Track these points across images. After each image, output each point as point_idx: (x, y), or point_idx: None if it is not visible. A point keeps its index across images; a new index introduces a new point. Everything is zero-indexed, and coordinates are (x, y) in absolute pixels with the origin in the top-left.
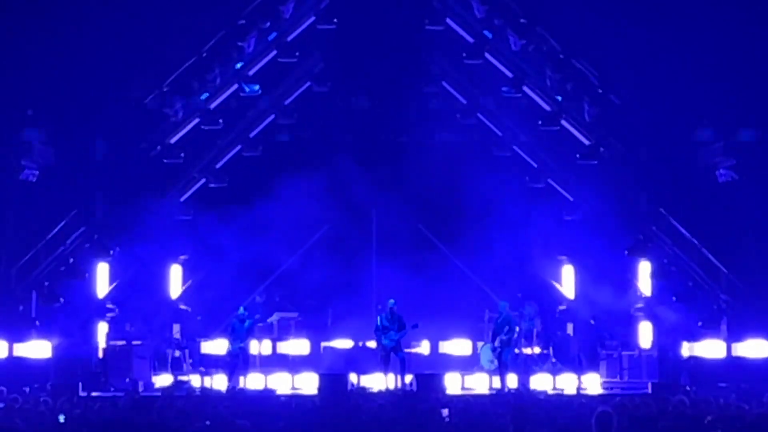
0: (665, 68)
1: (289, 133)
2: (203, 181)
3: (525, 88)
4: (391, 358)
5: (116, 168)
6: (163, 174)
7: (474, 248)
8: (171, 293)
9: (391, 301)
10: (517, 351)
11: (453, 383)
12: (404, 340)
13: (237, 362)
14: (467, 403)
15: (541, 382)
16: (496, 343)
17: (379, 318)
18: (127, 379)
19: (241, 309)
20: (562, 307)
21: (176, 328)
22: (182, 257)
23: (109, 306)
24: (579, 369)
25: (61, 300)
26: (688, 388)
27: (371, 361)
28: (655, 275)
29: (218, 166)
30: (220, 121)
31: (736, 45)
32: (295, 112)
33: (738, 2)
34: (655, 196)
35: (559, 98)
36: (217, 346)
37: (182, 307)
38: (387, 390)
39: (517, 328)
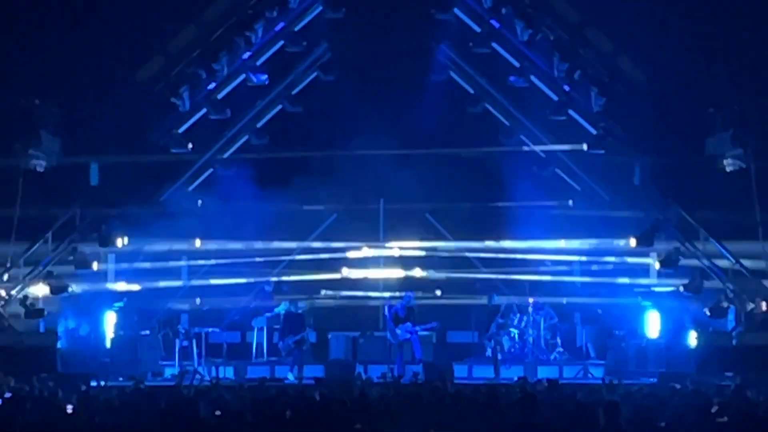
0: (673, 57)
1: (296, 123)
2: (211, 170)
3: (532, 78)
4: (403, 350)
5: (124, 158)
6: (171, 163)
7: (480, 237)
8: (179, 283)
9: (409, 293)
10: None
11: (461, 372)
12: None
13: (297, 355)
14: (474, 392)
15: (548, 371)
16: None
17: (394, 310)
18: (135, 369)
19: (286, 304)
20: (569, 297)
21: (185, 317)
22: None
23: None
24: (586, 358)
25: (69, 290)
26: (695, 377)
27: (378, 351)
28: (663, 265)
29: (226, 155)
30: (228, 110)
31: (743, 32)
32: (302, 101)
33: None
34: (663, 185)
35: (567, 88)
36: (225, 336)
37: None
38: (394, 379)
39: (520, 316)
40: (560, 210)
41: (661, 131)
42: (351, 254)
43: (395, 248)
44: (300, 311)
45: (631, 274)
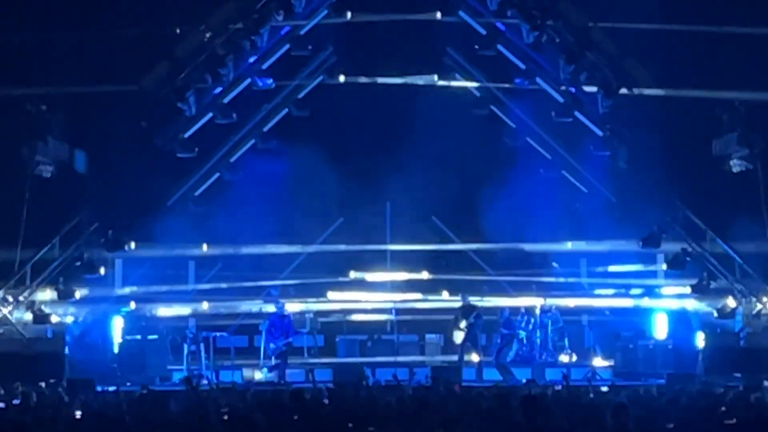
0: (678, 58)
1: (302, 127)
2: (218, 175)
3: (538, 80)
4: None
5: (130, 163)
6: (177, 168)
7: (487, 240)
8: (186, 287)
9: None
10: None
11: (469, 375)
12: None
13: (284, 358)
14: (480, 394)
15: (556, 373)
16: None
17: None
18: (143, 374)
19: (281, 307)
20: (576, 299)
21: (192, 322)
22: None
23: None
24: (594, 360)
25: (76, 295)
26: (703, 378)
27: (386, 354)
28: (670, 266)
29: (233, 160)
30: (234, 115)
31: (748, 32)
32: (309, 105)
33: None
34: (670, 186)
35: (573, 90)
36: (233, 340)
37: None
38: (402, 382)
39: (527, 318)
40: (567, 212)
41: (667, 132)
42: (358, 258)
43: (402, 251)
44: (286, 313)
45: (638, 275)
